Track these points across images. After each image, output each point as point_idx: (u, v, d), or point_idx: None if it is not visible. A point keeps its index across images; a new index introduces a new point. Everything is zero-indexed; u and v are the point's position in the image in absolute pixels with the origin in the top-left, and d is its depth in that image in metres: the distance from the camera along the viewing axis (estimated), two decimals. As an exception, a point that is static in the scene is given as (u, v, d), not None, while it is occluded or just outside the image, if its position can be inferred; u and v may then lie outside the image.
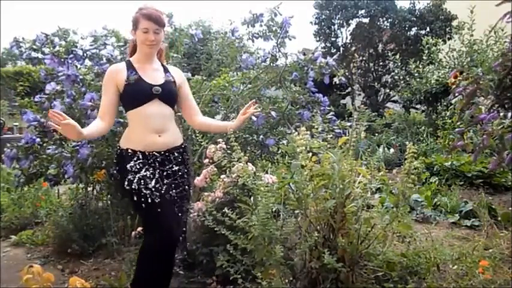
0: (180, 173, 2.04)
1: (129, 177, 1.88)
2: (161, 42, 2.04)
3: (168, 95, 2.01)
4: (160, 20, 1.95)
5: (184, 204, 2.08)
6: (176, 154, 2.03)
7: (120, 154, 1.97)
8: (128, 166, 1.90)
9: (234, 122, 2.15)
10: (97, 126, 1.91)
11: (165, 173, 1.97)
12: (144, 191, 1.86)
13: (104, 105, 1.95)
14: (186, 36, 3.30)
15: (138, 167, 1.90)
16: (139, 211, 1.94)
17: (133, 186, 1.87)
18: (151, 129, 1.94)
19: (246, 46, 3.61)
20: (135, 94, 1.95)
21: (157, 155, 1.97)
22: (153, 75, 2.01)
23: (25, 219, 3.91)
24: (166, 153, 2.00)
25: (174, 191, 1.99)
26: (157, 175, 1.93)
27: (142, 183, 1.87)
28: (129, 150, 1.93)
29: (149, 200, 1.86)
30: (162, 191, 1.91)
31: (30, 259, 3.14)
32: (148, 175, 1.90)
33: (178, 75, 2.14)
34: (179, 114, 2.45)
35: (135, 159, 1.92)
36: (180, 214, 2.02)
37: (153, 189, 1.88)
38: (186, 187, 2.09)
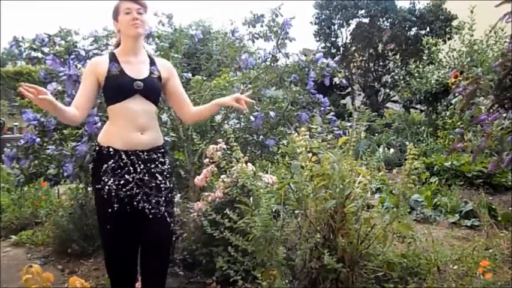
0: (163, 175, 1.90)
1: (104, 178, 1.78)
2: (146, 25, 1.93)
3: (150, 90, 1.88)
4: (142, 0, 1.86)
5: (169, 206, 1.90)
6: (159, 155, 1.91)
7: (100, 152, 1.84)
8: (105, 166, 1.79)
9: (222, 99, 2.06)
10: (73, 111, 1.79)
11: (147, 174, 1.84)
12: (122, 197, 1.78)
13: (78, 97, 1.83)
14: (186, 36, 3.30)
15: (119, 168, 1.80)
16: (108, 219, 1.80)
17: (107, 190, 1.77)
18: (134, 126, 1.82)
19: (246, 46, 3.60)
20: (116, 88, 1.83)
21: (141, 154, 1.84)
22: (137, 68, 1.88)
23: (25, 219, 3.92)
24: (150, 152, 1.87)
25: (156, 193, 1.85)
26: (137, 177, 1.81)
27: (121, 187, 1.78)
28: (111, 149, 1.81)
29: (128, 207, 1.78)
30: (144, 195, 1.82)
31: (30, 259, 3.14)
32: (129, 179, 1.80)
33: (165, 69, 1.99)
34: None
35: (115, 158, 1.80)
36: (167, 216, 1.87)
37: (135, 194, 1.80)
38: (169, 190, 1.93)
